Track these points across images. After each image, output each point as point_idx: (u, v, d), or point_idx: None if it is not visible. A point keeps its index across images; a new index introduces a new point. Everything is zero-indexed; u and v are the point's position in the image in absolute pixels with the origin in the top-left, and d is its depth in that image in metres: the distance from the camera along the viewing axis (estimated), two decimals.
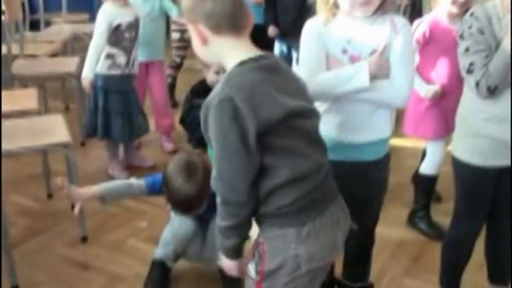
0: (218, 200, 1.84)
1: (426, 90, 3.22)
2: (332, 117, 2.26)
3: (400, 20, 2.25)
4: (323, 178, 1.89)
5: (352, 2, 2.15)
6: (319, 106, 2.28)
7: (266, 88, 1.76)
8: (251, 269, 1.92)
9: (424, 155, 3.61)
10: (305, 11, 4.73)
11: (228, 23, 1.81)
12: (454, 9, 3.13)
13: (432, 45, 3.20)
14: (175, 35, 5.36)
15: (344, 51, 2.21)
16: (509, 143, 2.36)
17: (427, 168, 3.48)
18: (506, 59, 2.22)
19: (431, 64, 3.24)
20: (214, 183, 1.82)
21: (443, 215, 3.42)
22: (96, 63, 3.91)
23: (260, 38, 5.42)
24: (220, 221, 1.88)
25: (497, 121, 2.35)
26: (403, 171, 4.01)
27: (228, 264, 2.01)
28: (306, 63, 2.25)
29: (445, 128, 3.26)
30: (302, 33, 2.28)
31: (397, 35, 2.20)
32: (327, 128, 2.24)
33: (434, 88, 3.22)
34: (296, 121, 1.82)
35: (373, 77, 2.15)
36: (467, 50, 2.34)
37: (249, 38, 1.88)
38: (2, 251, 2.87)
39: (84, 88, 3.99)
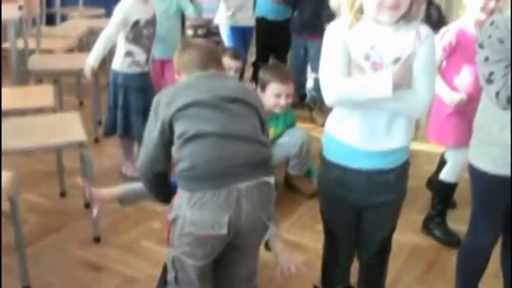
0: None
1: (451, 98, 3.20)
2: (351, 123, 2.24)
3: (425, 30, 2.20)
4: (229, 157, 2.22)
5: (379, 6, 2.11)
6: (339, 111, 2.27)
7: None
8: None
9: (441, 160, 3.58)
10: (323, 8, 4.72)
11: (197, 68, 2.46)
12: (483, 16, 3.10)
13: (458, 52, 3.18)
14: (189, 32, 5.36)
15: (367, 58, 2.17)
16: None
17: (447, 175, 3.44)
18: None
19: (457, 71, 3.21)
20: None
21: (458, 221, 3.41)
22: (103, 52, 3.90)
23: (278, 35, 5.42)
24: None
25: (507, 127, 2.33)
26: (419, 176, 3.97)
27: None
28: (329, 68, 2.20)
29: (468, 136, 3.21)
30: (325, 36, 2.24)
31: (421, 45, 2.17)
32: (346, 134, 2.25)
33: (459, 96, 3.19)
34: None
35: (395, 87, 2.11)
36: (487, 59, 2.30)
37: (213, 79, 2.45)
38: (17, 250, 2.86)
39: (86, 74, 3.96)
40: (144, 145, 2.40)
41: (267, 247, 2.45)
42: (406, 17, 2.17)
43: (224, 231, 2.19)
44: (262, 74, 3.82)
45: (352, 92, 2.15)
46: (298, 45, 5.23)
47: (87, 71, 3.91)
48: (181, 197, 2.25)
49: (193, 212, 2.19)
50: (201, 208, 2.18)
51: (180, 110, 2.26)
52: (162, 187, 2.49)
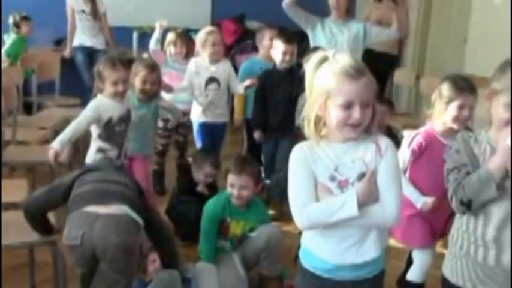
0: None
1: (423, 203, 3.25)
2: (326, 241, 2.30)
3: (385, 141, 2.27)
4: (100, 190, 3.15)
5: (342, 123, 2.18)
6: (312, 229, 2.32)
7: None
8: None
9: (409, 259, 3.61)
10: (295, 108, 4.80)
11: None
12: (455, 126, 3.20)
13: (426, 156, 3.26)
14: (159, 124, 5.38)
15: (332, 179, 2.24)
16: (495, 268, 2.37)
17: (414, 275, 3.46)
18: (483, 176, 2.25)
19: (425, 175, 3.29)
20: None
21: None
22: (69, 138, 3.86)
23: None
24: None
25: (482, 245, 2.38)
26: (388, 273, 3.92)
27: None
28: (296, 193, 2.26)
29: (432, 237, 3.29)
30: (290, 160, 2.30)
31: (382, 158, 2.23)
32: (321, 250, 2.31)
33: (431, 200, 3.24)
34: None
35: (361, 205, 2.17)
36: (447, 170, 2.42)
37: None
38: None
39: (48, 157, 3.84)
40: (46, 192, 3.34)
41: None
42: (367, 130, 2.24)
43: (77, 242, 2.91)
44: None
45: (320, 217, 2.21)
46: (269, 142, 5.27)
47: (50, 155, 3.80)
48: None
49: (66, 228, 3.01)
50: (69, 224, 2.99)
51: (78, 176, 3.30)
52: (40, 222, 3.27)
